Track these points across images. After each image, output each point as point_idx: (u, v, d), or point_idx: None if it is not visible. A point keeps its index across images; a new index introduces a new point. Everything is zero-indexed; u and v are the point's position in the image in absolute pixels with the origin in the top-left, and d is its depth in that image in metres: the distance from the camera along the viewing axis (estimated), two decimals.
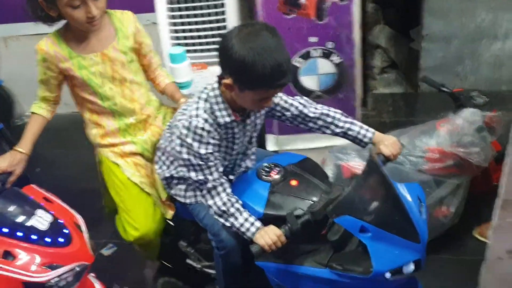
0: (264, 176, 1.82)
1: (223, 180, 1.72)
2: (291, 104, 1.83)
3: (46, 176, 3.23)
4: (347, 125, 1.84)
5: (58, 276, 1.67)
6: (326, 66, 2.59)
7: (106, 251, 2.77)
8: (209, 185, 1.70)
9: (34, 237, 1.67)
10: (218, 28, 2.57)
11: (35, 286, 1.63)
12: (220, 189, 1.71)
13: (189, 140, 1.65)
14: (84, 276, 1.85)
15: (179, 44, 2.61)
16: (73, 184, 3.28)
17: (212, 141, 1.66)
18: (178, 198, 1.94)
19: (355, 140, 1.86)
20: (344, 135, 1.86)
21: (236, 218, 1.68)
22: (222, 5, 2.53)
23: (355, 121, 1.86)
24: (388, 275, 1.51)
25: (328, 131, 1.87)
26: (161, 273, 2.52)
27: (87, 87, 1.93)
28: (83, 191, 3.13)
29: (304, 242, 1.70)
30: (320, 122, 1.86)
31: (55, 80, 1.94)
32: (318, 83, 2.65)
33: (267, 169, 1.84)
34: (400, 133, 2.44)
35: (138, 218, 2.01)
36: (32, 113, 2.01)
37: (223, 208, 1.70)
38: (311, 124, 1.87)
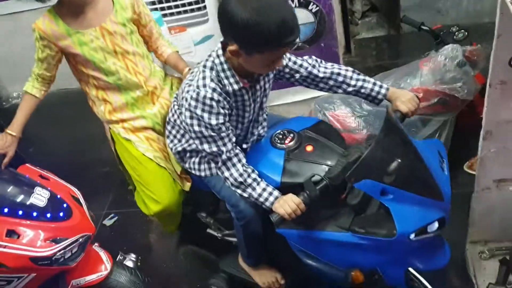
0: (278, 144, 1.79)
1: (237, 151, 1.68)
2: (300, 65, 1.78)
3: (39, 154, 3.26)
4: (360, 83, 1.79)
5: (64, 249, 1.73)
6: (304, 16, 2.57)
7: (108, 222, 2.83)
8: (224, 156, 1.66)
9: (35, 214, 1.72)
10: None
11: (42, 260, 1.69)
12: (235, 160, 1.67)
13: (198, 112, 1.59)
14: (88, 246, 1.91)
15: (155, 9, 2.58)
16: (67, 159, 3.31)
17: (222, 110, 1.61)
18: (193, 172, 1.92)
19: (368, 97, 1.81)
20: (357, 93, 1.82)
21: (253, 189, 1.66)
22: None
23: (367, 78, 1.81)
24: (412, 236, 1.50)
25: (340, 91, 1.82)
26: (183, 241, 2.60)
27: (89, 63, 1.90)
28: (77, 165, 3.19)
29: (324, 207, 1.68)
30: (331, 82, 1.81)
31: (53, 59, 1.92)
32: None
33: (281, 136, 1.81)
34: (384, 76, 2.47)
35: (158, 191, 2.01)
36: (25, 92, 2.00)
37: (240, 179, 1.66)
38: (321, 85, 1.83)
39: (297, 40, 1.45)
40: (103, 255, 2.01)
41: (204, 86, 1.58)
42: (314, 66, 1.79)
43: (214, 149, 1.65)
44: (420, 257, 1.62)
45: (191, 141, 1.82)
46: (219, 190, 1.86)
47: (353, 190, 1.63)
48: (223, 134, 1.63)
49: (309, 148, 1.75)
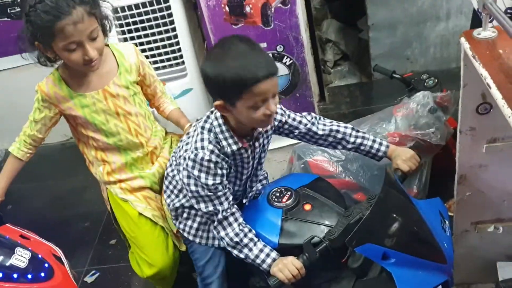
0: (275, 202, 1.75)
1: (234, 210, 1.66)
2: (300, 122, 1.80)
3: (18, 211, 3.21)
4: (359, 140, 1.80)
5: None
6: (279, 69, 2.64)
7: (89, 278, 2.77)
8: (220, 216, 1.63)
9: (15, 275, 1.69)
10: (171, 45, 2.61)
11: None
12: (231, 219, 1.64)
13: (196, 172, 1.58)
14: None
15: None
16: (46, 216, 3.26)
17: (220, 171, 1.60)
18: (185, 234, 1.88)
19: (368, 154, 1.82)
20: (357, 150, 1.83)
21: (250, 249, 1.61)
22: (173, 27, 2.56)
23: (366, 135, 1.82)
24: None
25: (340, 147, 1.84)
26: None
27: (90, 125, 1.88)
28: (57, 221, 3.16)
29: (324, 270, 1.64)
30: (330, 139, 1.82)
31: (50, 120, 1.90)
32: None
33: (278, 194, 1.77)
34: (360, 122, 2.54)
35: (152, 254, 1.99)
36: (11, 154, 1.98)
37: (236, 239, 1.62)
38: (320, 141, 1.84)
39: (274, 75, 1.46)
40: None
41: (202, 148, 1.58)
42: (313, 124, 1.81)
43: (211, 208, 1.63)
44: None
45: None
46: (198, 260, 1.86)
47: (354, 253, 1.57)
48: (219, 193, 1.62)
49: (307, 207, 1.72)
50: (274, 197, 1.77)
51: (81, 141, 2.00)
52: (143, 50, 2.61)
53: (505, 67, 1.28)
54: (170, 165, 1.87)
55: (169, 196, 1.88)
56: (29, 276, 1.72)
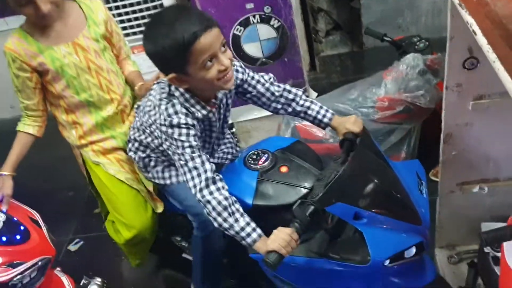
0: (252, 165, 1.73)
1: (221, 176, 1.57)
2: (258, 81, 1.76)
3: None
4: (307, 104, 1.78)
5: (21, 273, 1.65)
6: (266, 31, 2.58)
7: (73, 247, 2.75)
8: (208, 175, 1.52)
9: None
10: (155, 8, 2.54)
11: None
12: (219, 184, 1.53)
13: (176, 136, 1.53)
14: (49, 271, 1.83)
15: None
16: (29, 186, 3.17)
17: (193, 132, 1.55)
18: (157, 181, 1.85)
19: (315, 120, 1.79)
20: (305, 114, 1.80)
21: (236, 220, 1.48)
22: (161, 3, 2.50)
23: (314, 101, 1.80)
24: (387, 262, 1.43)
25: (290, 109, 1.80)
26: (155, 265, 2.50)
27: (61, 80, 1.84)
28: (40, 191, 3.09)
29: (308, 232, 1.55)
30: (282, 100, 1.79)
31: (30, 81, 1.84)
32: (261, 50, 2.65)
33: (255, 157, 1.75)
34: (350, 88, 2.50)
35: (131, 216, 1.96)
36: (18, 131, 1.95)
37: (225, 203, 1.49)
38: (274, 104, 1.80)
39: (212, 27, 1.39)
40: (65, 280, 1.94)
41: (176, 113, 1.53)
42: (271, 84, 1.78)
43: (198, 166, 1.53)
44: (399, 280, 1.53)
45: (155, 143, 1.74)
46: (183, 199, 1.80)
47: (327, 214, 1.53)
48: (204, 158, 1.55)
49: (283, 169, 1.70)
50: (250, 159, 1.76)
51: (53, 105, 1.96)
52: (127, 13, 2.55)
53: (492, 14, 1.21)
54: (133, 128, 1.84)
55: (135, 152, 1.85)
56: (3, 238, 1.68)
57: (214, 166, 1.56)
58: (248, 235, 1.47)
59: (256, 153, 1.77)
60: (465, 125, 1.67)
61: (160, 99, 1.57)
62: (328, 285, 1.58)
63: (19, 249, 1.69)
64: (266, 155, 1.75)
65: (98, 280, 2.09)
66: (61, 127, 2.02)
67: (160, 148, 1.72)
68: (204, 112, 1.58)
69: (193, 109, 1.56)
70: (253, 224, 1.49)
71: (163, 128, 1.55)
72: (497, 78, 0.96)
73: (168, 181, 1.83)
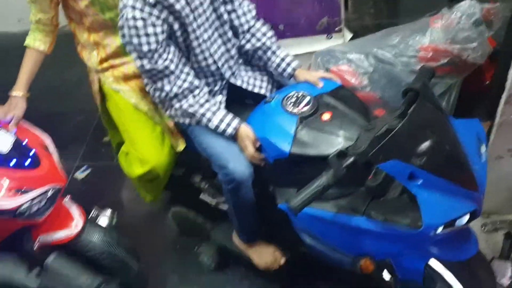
0: (290, 108, 1.57)
1: (197, 82, 1.58)
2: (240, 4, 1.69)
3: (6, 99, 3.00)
4: (275, 47, 1.75)
5: (30, 201, 1.52)
6: None
7: (80, 174, 2.62)
8: (177, 89, 1.56)
9: None
10: None
11: (5, 212, 1.48)
12: (198, 91, 1.58)
13: (127, 38, 1.46)
14: (58, 200, 1.70)
15: None
16: (39, 107, 3.03)
17: (151, 30, 1.45)
18: (176, 119, 1.74)
19: (279, 67, 1.74)
20: (270, 56, 1.75)
21: (214, 113, 1.59)
22: None
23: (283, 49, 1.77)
24: (440, 229, 1.29)
25: (259, 44, 1.74)
26: (170, 202, 2.33)
27: None
28: (50, 113, 2.93)
29: (336, 185, 1.40)
30: (253, 40, 1.74)
31: None
32: None
33: (294, 100, 1.59)
34: (391, 32, 2.28)
35: (146, 150, 1.82)
36: (27, 47, 1.79)
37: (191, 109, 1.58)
38: (244, 41, 1.75)
39: None
40: (75, 210, 1.80)
41: (125, 6, 1.45)
42: (245, 14, 1.71)
43: (167, 81, 1.56)
44: (442, 250, 1.42)
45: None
46: (206, 146, 1.67)
47: (376, 170, 1.41)
48: (166, 63, 1.51)
49: (326, 116, 1.54)
50: (289, 102, 1.59)
51: (73, 21, 1.80)
52: None
53: None
54: None
55: (151, 87, 1.74)
56: (13, 162, 1.53)
57: (191, 78, 1.59)
58: (228, 125, 1.59)
59: (296, 95, 1.61)
60: None
61: None
62: (364, 247, 1.47)
63: (28, 175, 1.55)
64: (307, 99, 1.59)
65: (108, 212, 1.96)
66: (81, 47, 1.85)
67: None
68: None
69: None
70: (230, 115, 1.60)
71: (122, 31, 1.48)
72: None
73: (187, 121, 1.70)
